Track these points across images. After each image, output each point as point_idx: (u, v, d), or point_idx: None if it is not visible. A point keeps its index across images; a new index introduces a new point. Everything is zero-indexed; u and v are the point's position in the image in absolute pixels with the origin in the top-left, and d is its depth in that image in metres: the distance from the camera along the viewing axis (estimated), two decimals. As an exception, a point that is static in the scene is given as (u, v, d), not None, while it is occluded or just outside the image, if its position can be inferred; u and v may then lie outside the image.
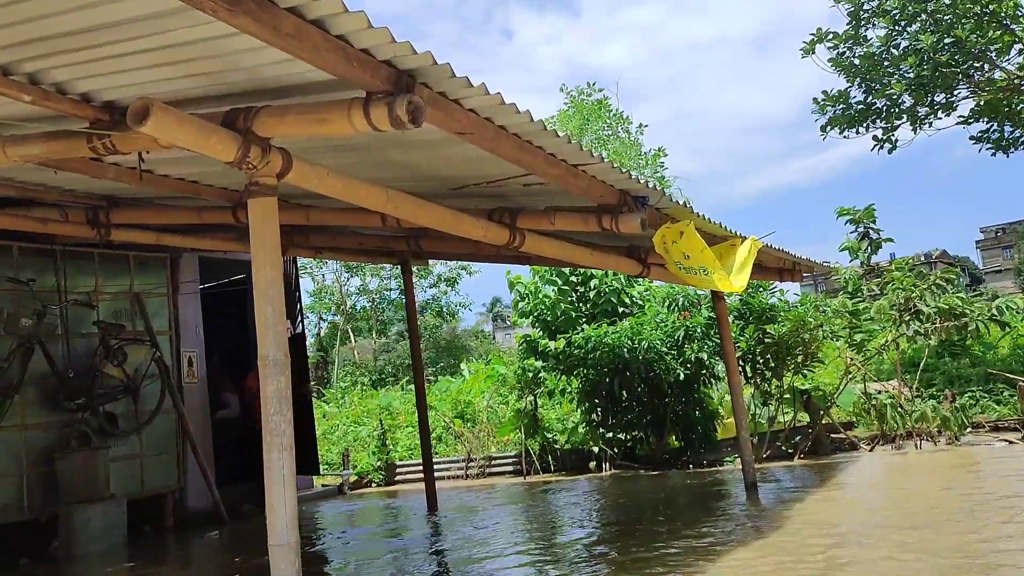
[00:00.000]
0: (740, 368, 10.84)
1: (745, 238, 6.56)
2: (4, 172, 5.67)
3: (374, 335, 35.33)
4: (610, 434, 11.73)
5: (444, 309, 34.83)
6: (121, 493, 8.89)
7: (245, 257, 10.65)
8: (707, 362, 11.18)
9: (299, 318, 12.32)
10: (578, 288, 12.69)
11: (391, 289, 34.21)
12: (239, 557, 7.79)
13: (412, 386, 22.44)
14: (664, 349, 11.20)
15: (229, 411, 11.86)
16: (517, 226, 5.40)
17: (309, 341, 36.53)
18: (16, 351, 8.29)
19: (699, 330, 11.22)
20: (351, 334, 35.16)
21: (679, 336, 11.20)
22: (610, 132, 31.15)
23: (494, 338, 50.30)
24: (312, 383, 26.20)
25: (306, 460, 11.61)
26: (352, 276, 34.01)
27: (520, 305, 12.81)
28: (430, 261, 31.56)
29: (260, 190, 3.52)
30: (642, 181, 4.99)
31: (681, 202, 5.67)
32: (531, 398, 12.40)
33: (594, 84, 32.27)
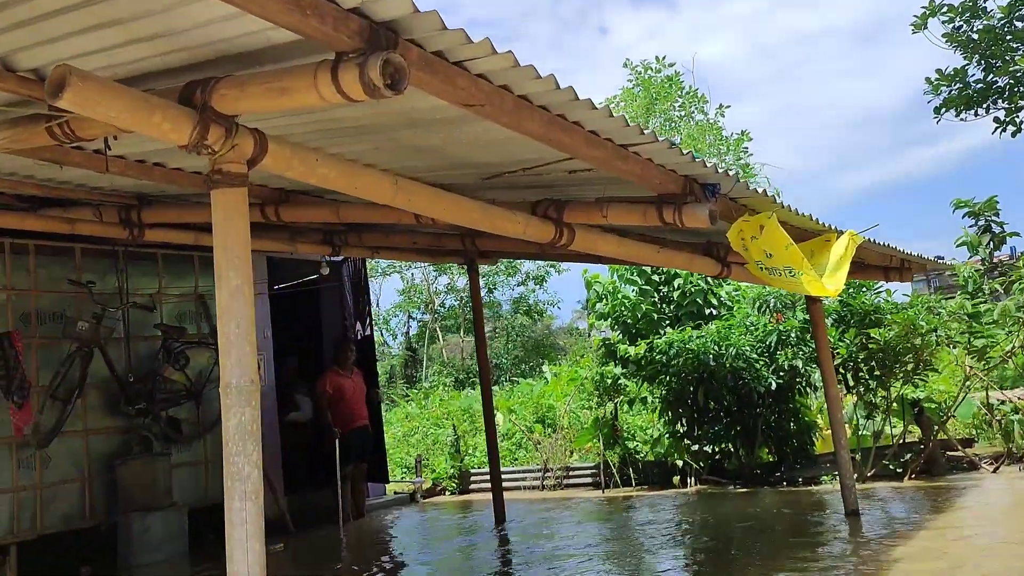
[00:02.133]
0: (841, 377, 9.75)
1: (842, 232, 5.61)
2: (23, 169, 5.31)
3: (462, 333, 34.95)
4: (696, 446, 10.81)
5: (532, 308, 34.04)
6: (183, 501, 8.61)
7: (313, 257, 10.26)
8: (802, 370, 10.13)
9: (367, 319, 11.91)
10: (661, 288, 11.79)
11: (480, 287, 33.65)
12: (305, 572, 7.40)
13: (496, 387, 21.97)
14: (754, 356, 10.21)
15: (300, 414, 11.50)
16: (564, 220, 4.66)
17: (399, 340, 36.74)
18: (74, 355, 8.09)
19: (793, 335, 10.18)
20: (439, 333, 34.91)
21: (771, 341, 10.19)
22: (683, 112, 27.40)
23: (588, 335, 49.27)
24: (385, 385, 25.93)
25: (377, 469, 11.20)
26: (440, 274, 33.73)
27: (598, 306, 12.00)
28: (518, 260, 31.28)
29: (225, 179, 2.90)
30: (710, 165, 4.17)
31: (761, 190, 4.81)
32: (610, 406, 11.60)
33: (664, 58, 27.47)
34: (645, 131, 3.59)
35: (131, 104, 2.63)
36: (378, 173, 3.64)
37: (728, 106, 28.13)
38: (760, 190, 4.80)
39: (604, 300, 11.90)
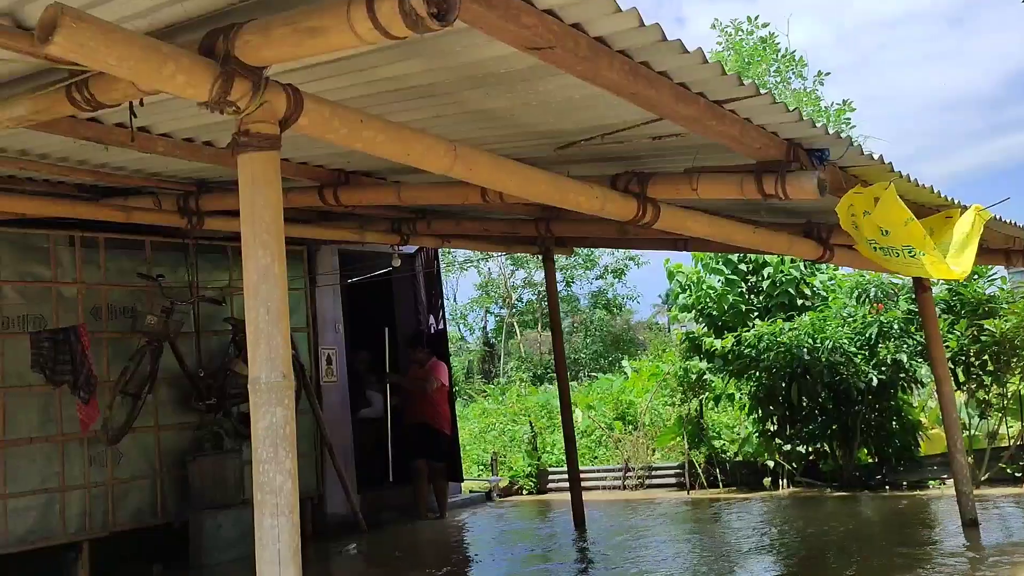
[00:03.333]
0: (950, 371, 8.92)
1: (966, 208, 4.92)
2: (74, 153, 5.07)
3: (539, 328, 34.46)
4: (788, 446, 10.10)
5: (610, 302, 33.24)
6: (255, 499, 8.41)
7: (385, 248, 9.95)
8: (906, 365, 9.32)
9: (440, 313, 11.55)
10: (749, 277, 11.08)
11: (558, 282, 32.93)
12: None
13: (575, 382, 21.42)
14: (853, 349, 9.45)
15: (372, 410, 11.23)
16: (648, 195, 4.13)
17: (476, 335, 36.50)
18: (144, 349, 7.95)
19: (896, 326, 9.38)
20: (516, 328, 34.48)
21: (871, 334, 9.41)
22: (778, 78, 24.95)
23: (668, 330, 48.02)
24: (462, 381, 25.76)
25: (451, 468, 10.84)
26: (517, 268, 33.25)
27: (681, 297, 11.36)
28: (596, 251, 30.60)
29: (253, 142, 2.50)
30: (819, 127, 3.59)
31: (877, 156, 4.18)
32: (695, 403, 10.97)
33: (756, 18, 24.83)
34: (745, 82, 3.05)
35: (136, 51, 2.24)
36: (433, 138, 3.19)
37: (828, 73, 25.64)
38: (876, 156, 4.17)
39: (687, 291, 11.26)
